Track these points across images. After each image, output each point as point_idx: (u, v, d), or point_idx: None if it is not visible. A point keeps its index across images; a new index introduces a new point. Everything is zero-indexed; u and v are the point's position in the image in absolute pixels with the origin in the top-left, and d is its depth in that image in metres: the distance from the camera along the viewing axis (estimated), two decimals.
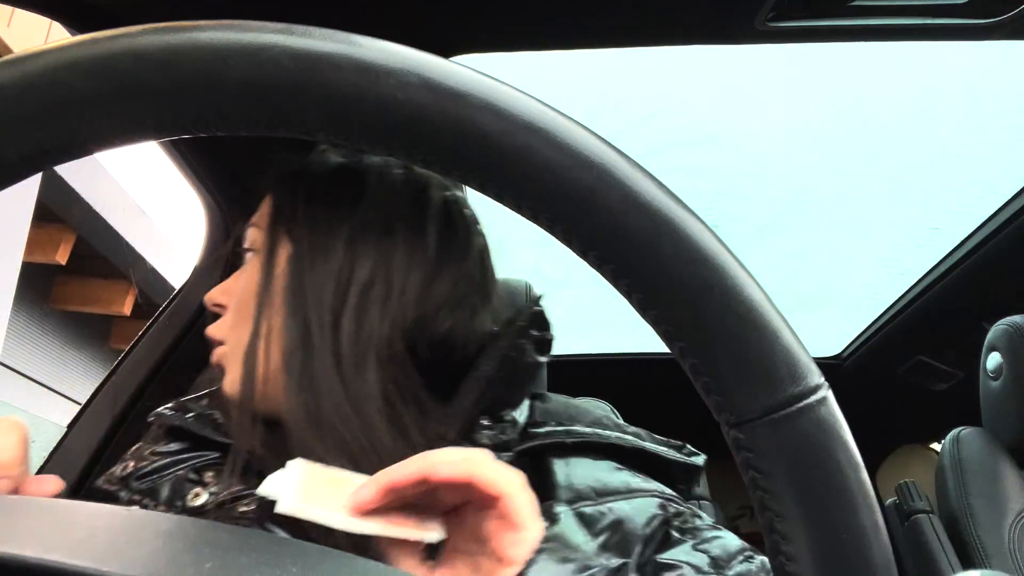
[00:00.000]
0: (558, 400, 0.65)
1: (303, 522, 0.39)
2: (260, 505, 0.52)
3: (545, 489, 0.56)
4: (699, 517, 0.57)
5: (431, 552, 0.41)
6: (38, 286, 4.11)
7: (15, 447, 0.44)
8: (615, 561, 0.51)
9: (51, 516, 0.21)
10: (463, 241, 0.59)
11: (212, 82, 0.22)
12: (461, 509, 0.40)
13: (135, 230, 4.03)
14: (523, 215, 0.24)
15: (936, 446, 2.00)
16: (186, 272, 1.16)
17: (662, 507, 0.56)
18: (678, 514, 0.56)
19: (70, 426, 1.08)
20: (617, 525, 0.53)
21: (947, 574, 1.23)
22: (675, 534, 0.54)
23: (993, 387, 1.36)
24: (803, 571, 0.23)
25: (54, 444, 1.07)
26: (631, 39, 0.92)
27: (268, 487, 0.40)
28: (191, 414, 0.62)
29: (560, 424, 0.60)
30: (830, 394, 0.23)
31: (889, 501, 1.47)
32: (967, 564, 1.24)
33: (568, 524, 0.52)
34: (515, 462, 0.56)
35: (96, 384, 1.12)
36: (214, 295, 0.61)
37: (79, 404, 1.11)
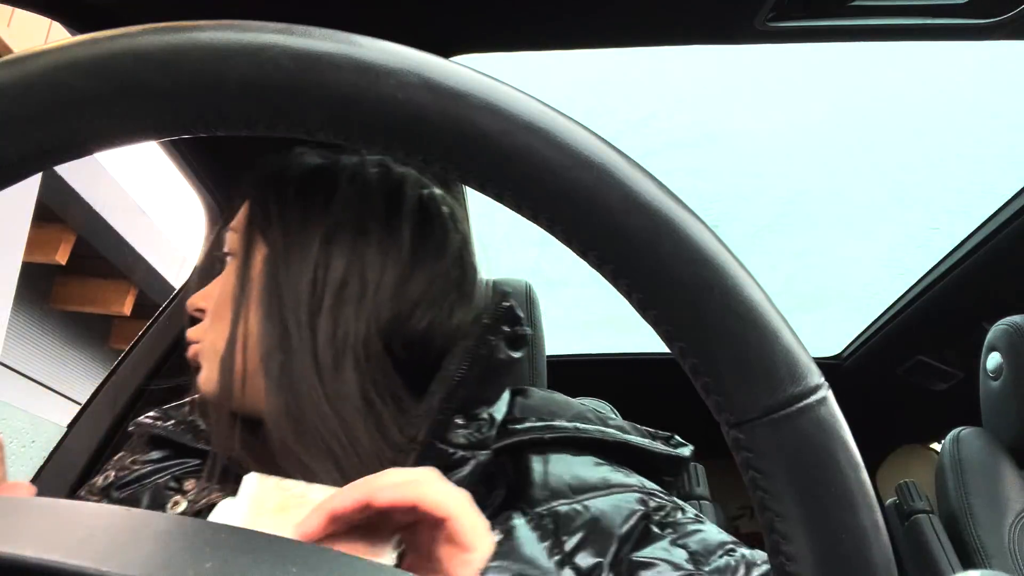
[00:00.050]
0: (539, 395, 0.65)
1: None
2: None
3: (521, 488, 0.56)
4: (681, 510, 0.56)
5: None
6: (38, 286, 4.10)
7: None
8: (590, 560, 0.51)
9: (51, 516, 0.21)
10: (439, 239, 0.58)
11: (212, 82, 0.22)
12: (415, 528, 0.39)
13: (135, 230, 4.02)
14: (523, 215, 0.24)
15: (936, 446, 2.00)
16: (186, 272, 1.16)
17: (642, 502, 0.55)
18: (659, 508, 0.56)
19: (70, 426, 1.08)
20: (594, 523, 0.53)
21: (947, 574, 1.23)
22: (655, 529, 0.54)
23: (993, 387, 1.36)
24: (803, 571, 0.23)
25: (54, 444, 1.07)
26: (631, 39, 0.92)
27: (219, 514, 0.40)
28: (171, 422, 0.62)
29: (540, 419, 0.60)
30: (830, 394, 0.23)
31: (889, 501, 1.47)
32: (967, 564, 1.24)
33: (523, 535, 0.51)
34: (493, 460, 0.56)
35: (96, 384, 1.12)
36: (194, 300, 0.62)
37: (79, 404, 1.11)
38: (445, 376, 0.54)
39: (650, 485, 0.58)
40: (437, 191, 0.61)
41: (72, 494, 0.84)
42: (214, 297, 0.61)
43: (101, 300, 4.33)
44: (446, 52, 0.83)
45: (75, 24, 0.83)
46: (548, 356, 0.89)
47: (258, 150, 0.62)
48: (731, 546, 0.53)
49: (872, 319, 1.92)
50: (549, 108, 0.23)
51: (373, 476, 0.39)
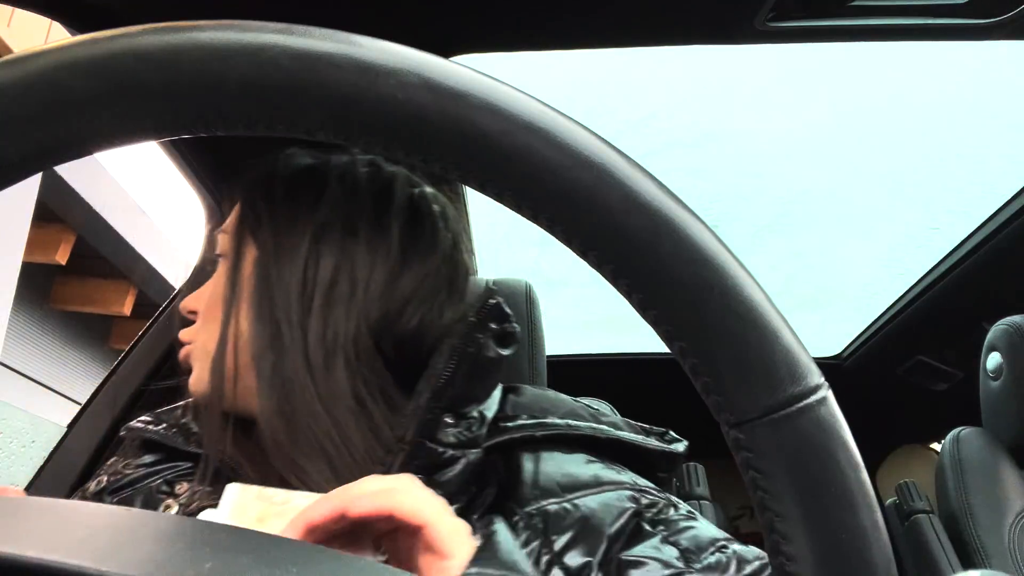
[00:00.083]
0: (532, 392, 0.65)
1: None
2: None
3: (511, 487, 0.56)
4: (674, 507, 0.56)
5: None
6: (38, 286, 4.10)
7: None
8: (579, 560, 0.51)
9: (51, 516, 0.21)
10: (429, 237, 0.58)
11: (212, 82, 0.22)
12: (395, 535, 0.40)
13: (135, 230, 4.02)
14: (523, 215, 0.24)
15: (936, 446, 2.00)
16: (186, 272, 1.16)
17: (633, 499, 0.55)
18: (651, 505, 0.55)
19: (70, 426, 1.08)
20: (583, 522, 0.53)
21: (947, 574, 1.23)
22: (646, 527, 0.53)
23: (993, 387, 1.36)
24: (803, 571, 0.23)
25: (54, 444, 1.07)
26: (631, 39, 0.92)
27: None
28: (163, 425, 0.62)
29: (532, 417, 0.60)
30: (830, 394, 0.23)
31: (889, 501, 1.47)
32: (967, 564, 1.24)
33: (504, 539, 0.51)
34: (484, 458, 0.56)
35: (96, 384, 1.12)
36: (187, 302, 0.62)
37: (79, 404, 1.11)
38: (432, 375, 0.54)
39: (642, 482, 0.58)
40: (428, 190, 0.61)
41: (72, 494, 0.84)
42: (205, 299, 0.61)
43: (101, 300, 4.33)
44: (446, 52, 0.83)
45: (75, 24, 0.83)
46: (548, 356, 0.89)
47: (258, 150, 0.62)
48: (723, 543, 0.53)
49: (872, 319, 1.92)
50: (549, 108, 0.23)
51: (350, 485, 0.39)
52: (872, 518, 0.22)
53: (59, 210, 3.57)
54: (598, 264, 0.24)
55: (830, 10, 0.84)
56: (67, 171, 3.31)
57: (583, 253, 0.24)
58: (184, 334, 0.62)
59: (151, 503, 0.57)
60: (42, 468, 1.05)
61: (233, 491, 0.42)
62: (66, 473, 1.03)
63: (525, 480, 0.56)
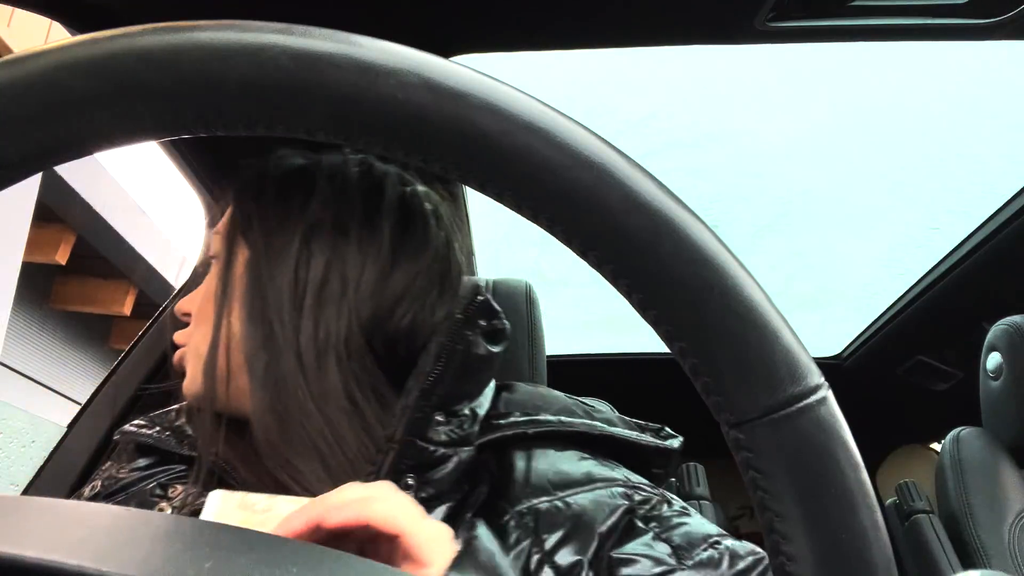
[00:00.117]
0: (525, 390, 0.65)
1: None
2: None
3: (503, 485, 0.56)
4: (668, 503, 0.56)
5: None
6: (38, 286, 4.10)
7: None
8: (570, 558, 0.51)
9: (51, 516, 0.21)
10: (421, 236, 0.58)
11: (212, 82, 0.22)
12: (376, 542, 0.40)
13: (135, 230, 4.03)
14: (523, 215, 0.24)
15: (936, 446, 2.00)
16: (186, 272, 1.16)
17: (626, 496, 0.55)
18: (644, 501, 0.55)
19: (70, 426, 1.08)
20: (575, 520, 0.53)
21: (947, 574, 1.23)
22: (639, 523, 0.53)
23: (993, 387, 1.36)
24: (803, 571, 0.23)
25: (54, 444, 1.07)
26: (631, 39, 0.92)
27: None
28: (156, 428, 0.62)
29: (525, 414, 0.60)
30: (830, 394, 0.23)
31: (889, 501, 1.47)
32: (967, 564, 1.24)
33: (485, 544, 0.51)
34: (476, 456, 0.56)
35: (96, 384, 1.12)
36: (181, 304, 0.63)
37: (79, 404, 1.11)
38: (420, 373, 0.54)
39: (635, 478, 0.58)
40: (420, 188, 0.61)
41: (72, 494, 0.84)
42: (198, 301, 0.61)
43: (101, 300, 4.33)
44: (446, 52, 0.83)
45: (75, 24, 0.83)
46: (548, 356, 0.89)
47: (258, 150, 0.62)
48: (716, 539, 0.53)
49: (872, 319, 1.92)
50: (549, 108, 0.23)
51: (327, 494, 0.39)
52: (872, 518, 0.22)
53: (59, 210, 3.57)
54: (598, 264, 0.24)
55: (830, 10, 0.84)
56: (67, 171, 3.31)
57: (583, 253, 0.24)
58: (178, 336, 0.62)
59: (145, 507, 0.57)
60: (42, 468, 1.05)
61: (215, 499, 0.42)
62: (66, 473, 1.03)
63: (517, 478, 0.56)
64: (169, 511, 0.55)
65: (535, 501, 0.54)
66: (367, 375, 0.55)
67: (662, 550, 0.51)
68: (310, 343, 0.54)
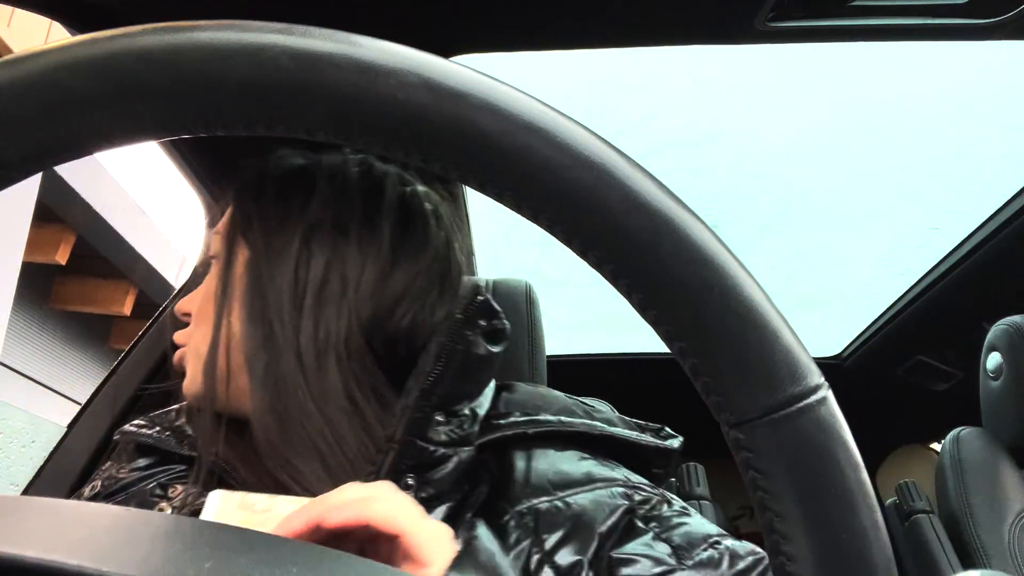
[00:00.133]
0: (525, 390, 0.65)
1: None
2: None
3: (503, 486, 0.56)
4: (668, 503, 0.56)
5: None
6: (38, 286, 4.11)
7: None
8: (570, 559, 0.51)
9: (51, 516, 0.21)
10: (421, 236, 0.58)
11: (212, 82, 0.22)
12: (376, 542, 0.40)
13: (135, 230, 4.03)
14: (523, 215, 0.24)
15: (936, 446, 2.00)
16: (186, 272, 1.16)
17: (626, 496, 0.55)
18: (644, 501, 0.55)
19: (70, 426, 1.08)
20: (575, 520, 0.53)
21: (947, 574, 1.23)
22: (639, 523, 0.53)
23: (993, 387, 1.36)
24: (803, 571, 0.23)
25: (54, 444, 1.07)
26: (631, 39, 0.92)
27: None
28: (156, 428, 0.62)
29: (525, 414, 0.60)
30: (830, 394, 0.23)
31: (889, 501, 1.47)
32: (967, 564, 1.24)
33: (485, 544, 0.50)
34: (476, 456, 0.56)
35: (96, 384, 1.12)
36: (181, 305, 0.63)
37: (79, 404, 1.11)
38: (420, 373, 0.54)
39: (635, 478, 0.58)
40: (420, 188, 0.61)
41: (72, 494, 0.84)
42: (198, 301, 0.61)
43: (101, 300, 4.33)
44: (446, 52, 0.83)
45: (75, 24, 0.83)
46: (548, 356, 0.89)
47: (258, 150, 0.62)
48: (716, 539, 0.53)
49: (872, 319, 1.92)
50: (549, 108, 0.23)
51: (327, 494, 0.40)
52: (872, 518, 0.22)
53: (59, 210, 3.57)
54: (598, 264, 0.24)
55: (830, 10, 0.84)
56: (67, 171, 3.31)
57: (583, 253, 0.24)
58: (178, 336, 0.62)
59: (145, 507, 0.57)
60: (42, 468, 1.05)
61: (215, 499, 0.42)
62: (66, 473, 1.03)
63: (517, 478, 0.56)
64: (169, 511, 0.55)
65: (535, 501, 0.54)
66: (367, 375, 0.55)
67: (662, 550, 0.51)
68: (310, 343, 0.54)
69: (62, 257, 3.78)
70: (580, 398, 0.67)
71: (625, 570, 0.50)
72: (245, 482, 0.55)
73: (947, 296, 1.65)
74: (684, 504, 0.57)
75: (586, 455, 0.59)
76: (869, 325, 1.93)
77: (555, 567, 0.50)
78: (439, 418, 0.54)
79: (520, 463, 0.57)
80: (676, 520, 0.54)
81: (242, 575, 0.19)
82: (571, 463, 0.58)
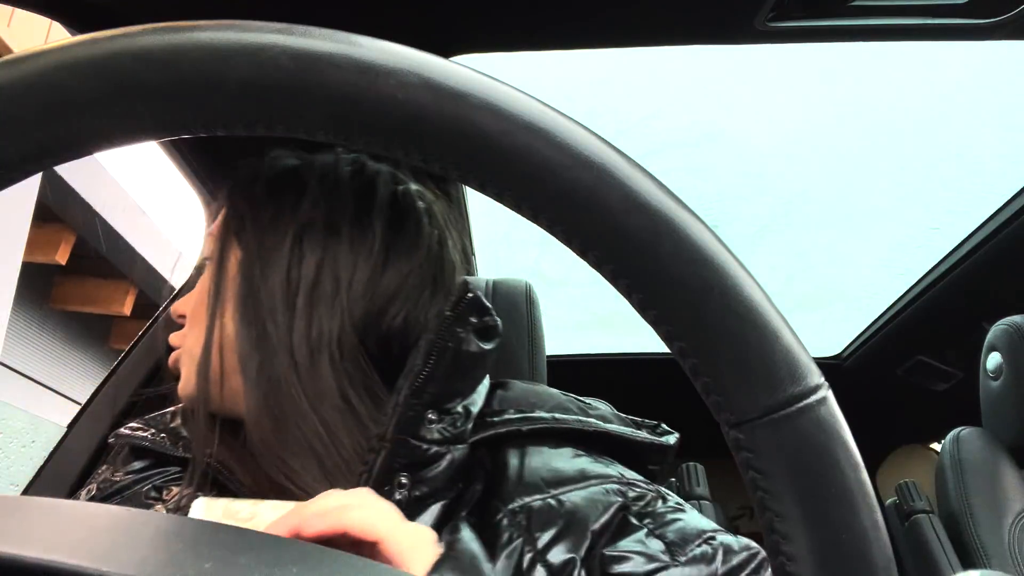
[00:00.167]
0: (520, 387, 0.64)
1: None
2: None
3: (497, 484, 0.56)
4: (663, 499, 0.56)
5: None
6: (38, 286, 4.10)
7: None
8: (563, 557, 0.51)
9: (51, 516, 0.21)
10: (413, 234, 0.58)
11: (212, 82, 0.22)
12: (360, 548, 0.40)
13: (135, 230, 4.03)
14: (523, 215, 0.24)
15: (936, 446, 2.00)
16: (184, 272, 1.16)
17: (620, 492, 0.55)
18: (639, 498, 0.55)
19: (70, 426, 1.08)
20: (568, 517, 0.53)
21: (947, 574, 1.23)
22: (633, 520, 0.53)
23: (993, 387, 1.36)
24: (803, 571, 0.23)
25: (54, 444, 1.07)
26: (631, 39, 0.92)
27: None
28: (151, 431, 0.62)
29: (519, 411, 0.60)
30: (830, 394, 0.23)
31: (889, 501, 1.47)
32: (967, 564, 1.24)
33: (468, 545, 0.50)
34: (470, 454, 0.56)
35: (96, 384, 1.12)
36: (176, 307, 0.63)
37: (79, 404, 1.11)
38: (410, 372, 0.54)
39: (630, 474, 0.58)
40: (413, 187, 0.61)
41: (72, 494, 0.84)
42: (192, 303, 0.61)
43: (101, 300, 4.33)
44: (446, 52, 0.83)
45: (75, 24, 0.83)
46: (548, 356, 0.89)
47: (259, 151, 0.62)
48: (711, 534, 0.52)
49: (872, 319, 1.92)
50: (549, 108, 0.23)
51: (306, 503, 0.40)
52: (872, 518, 0.22)
53: (59, 210, 3.57)
54: (598, 264, 0.24)
55: (830, 10, 0.84)
56: (67, 171, 3.31)
57: (583, 253, 0.24)
58: (173, 338, 0.62)
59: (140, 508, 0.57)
60: (42, 468, 1.05)
61: (199, 507, 0.42)
62: (66, 473, 1.03)
63: (510, 476, 0.56)
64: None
65: (528, 499, 0.54)
66: (361, 374, 0.55)
67: (655, 547, 0.51)
68: (303, 343, 0.54)
69: (62, 257, 3.78)
70: (578, 396, 0.67)
71: (617, 567, 0.50)
72: (241, 483, 0.55)
73: (947, 296, 1.65)
74: (680, 500, 0.57)
75: (581, 452, 0.59)
76: (869, 325, 1.93)
77: (547, 566, 0.50)
78: (431, 416, 0.54)
79: (514, 461, 0.57)
80: (670, 516, 0.54)
81: (242, 575, 0.19)
82: (565, 460, 0.58)
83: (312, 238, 0.56)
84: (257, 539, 0.22)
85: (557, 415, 0.60)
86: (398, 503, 0.51)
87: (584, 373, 1.97)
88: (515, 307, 0.90)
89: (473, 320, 0.56)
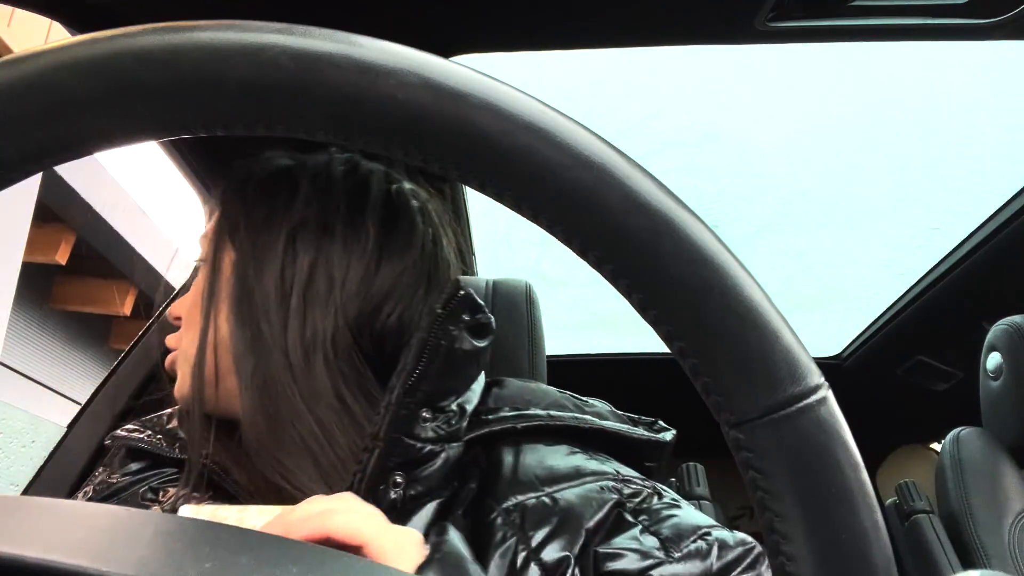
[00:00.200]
0: (516, 385, 0.64)
1: None
2: None
3: (491, 482, 0.56)
4: (658, 495, 0.55)
5: None
6: (38, 286, 4.10)
7: None
8: (557, 555, 0.50)
9: (51, 516, 0.21)
10: (407, 233, 0.58)
11: (211, 82, 0.22)
12: (347, 551, 0.40)
13: (135, 230, 4.03)
14: (523, 215, 0.24)
15: (936, 446, 2.00)
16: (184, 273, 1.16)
17: (615, 489, 0.55)
18: (634, 494, 0.55)
19: (70, 426, 1.08)
20: (562, 515, 0.52)
21: (947, 574, 1.23)
22: (628, 517, 0.53)
23: (993, 387, 1.36)
24: (803, 571, 0.23)
25: (54, 444, 1.07)
26: (631, 39, 0.92)
27: None
28: (148, 432, 0.63)
29: (515, 409, 0.59)
30: (830, 394, 0.23)
31: (889, 501, 1.47)
32: (967, 564, 1.24)
33: (454, 548, 0.50)
34: (465, 452, 0.56)
35: (96, 384, 1.12)
36: (173, 309, 0.63)
37: (79, 404, 1.11)
38: (402, 370, 0.53)
39: (626, 471, 0.58)
40: (407, 185, 0.61)
41: (72, 494, 0.84)
42: (187, 304, 0.61)
43: (101, 300, 4.33)
44: (446, 52, 0.83)
45: (75, 24, 0.83)
46: (548, 356, 0.89)
47: (259, 150, 0.62)
48: (706, 530, 0.52)
49: (872, 319, 1.92)
50: (549, 108, 0.23)
51: (290, 509, 0.40)
52: (872, 518, 0.22)
53: (59, 210, 3.57)
54: (598, 264, 0.24)
55: (830, 10, 0.84)
56: (67, 171, 3.31)
57: (583, 253, 0.24)
58: (169, 340, 0.62)
59: None
60: (42, 468, 1.05)
61: (185, 514, 0.42)
62: (66, 473, 1.03)
63: (504, 474, 0.56)
64: None
65: (522, 498, 0.54)
66: (355, 374, 0.55)
67: (650, 543, 0.51)
68: (297, 343, 0.54)
69: (62, 257, 3.78)
70: (574, 394, 0.66)
71: (611, 564, 0.50)
72: (237, 484, 0.55)
73: (947, 296, 1.65)
74: (676, 496, 0.57)
75: (576, 449, 0.59)
76: (869, 325, 1.93)
77: (541, 564, 0.50)
78: (425, 415, 0.54)
79: (508, 458, 0.57)
80: (666, 512, 0.53)
81: (242, 575, 0.19)
82: (560, 458, 0.57)
83: (305, 238, 0.56)
84: (257, 539, 0.22)
85: (552, 412, 0.60)
86: (393, 502, 0.51)
87: (584, 373, 1.97)
88: (515, 307, 0.90)
89: (465, 318, 0.56)
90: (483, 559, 0.51)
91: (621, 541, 0.51)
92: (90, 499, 0.60)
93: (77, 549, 0.19)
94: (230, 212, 0.59)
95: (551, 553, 0.50)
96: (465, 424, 0.56)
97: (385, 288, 0.56)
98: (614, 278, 0.23)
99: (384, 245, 0.57)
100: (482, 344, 0.57)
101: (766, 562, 0.51)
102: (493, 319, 0.58)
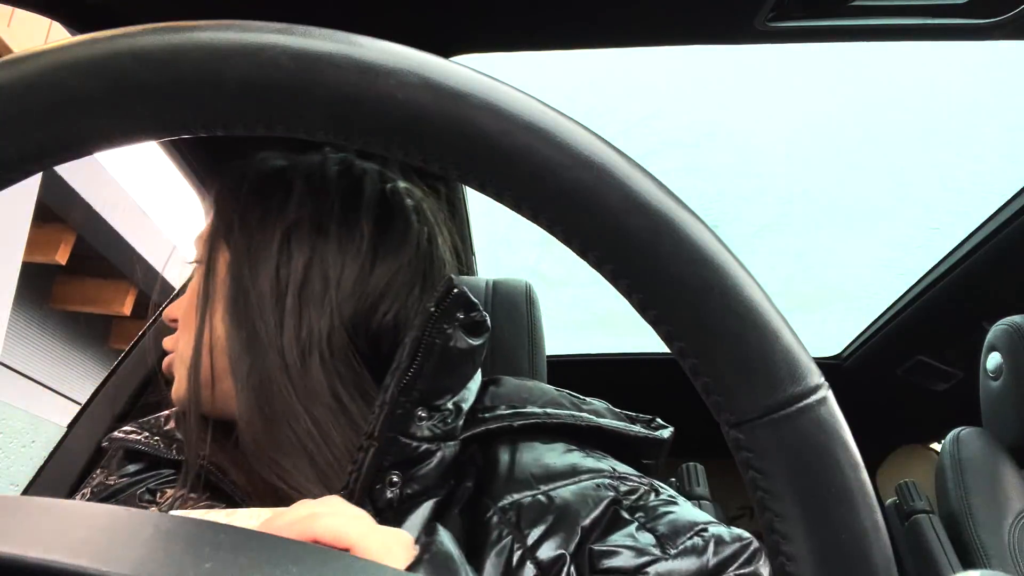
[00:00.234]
0: (513, 383, 0.64)
1: None
2: None
3: (487, 481, 0.56)
4: (655, 492, 0.55)
5: None
6: (38, 286, 4.10)
7: None
8: (552, 553, 0.50)
9: (51, 516, 0.21)
10: (401, 232, 0.58)
11: (212, 82, 0.22)
12: None
13: (135, 230, 4.02)
14: (523, 215, 0.24)
15: (936, 446, 2.00)
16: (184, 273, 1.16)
17: (612, 487, 0.54)
18: (631, 492, 0.55)
19: (70, 426, 1.08)
20: (558, 513, 0.52)
21: (947, 574, 1.23)
22: (624, 514, 0.53)
23: (993, 387, 1.36)
24: (803, 571, 0.23)
25: (54, 444, 1.07)
26: (631, 39, 0.92)
27: None
28: (145, 434, 0.62)
29: (512, 407, 0.59)
30: (830, 394, 0.23)
31: (889, 501, 1.47)
32: (967, 564, 1.24)
33: (444, 549, 0.49)
34: (462, 451, 0.55)
35: (96, 384, 1.12)
36: (169, 311, 0.63)
37: (79, 404, 1.11)
38: (397, 369, 0.53)
39: (623, 468, 0.57)
40: (401, 184, 0.61)
41: (72, 494, 0.84)
42: (183, 306, 0.61)
43: (101, 300, 4.33)
44: (446, 52, 0.83)
45: (75, 24, 0.83)
46: (548, 356, 0.89)
47: (258, 150, 0.62)
48: (703, 526, 0.52)
49: (872, 319, 1.92)
50: (549, 108, 0.23)
51: (276, 514, 0.40)
52: (872, 518, 0.22)
53: (59, 210, 3.57)
54: (598, 264, 0.24)
55: (830, 10, 0.84)
56: (67, 171, 3.31)
57: (583, 253, 0.24)
58: (166, 342, 0.62)
59: None
60: (42, 468, 1.05)
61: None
62: (66, 473, 1.02)
63: (500, 473, 0.56)
64: None
65: (518, 496, 0.54)
66: (351, 373, 0.55)
67: (646, 540, 0.50)
68: (293, 343, 0.54)
69: (62, 257, 3.78)
70: (572, 392, 0.66)
71: (607, 562, 0.49)
72: (234, 484, 0.55)
73: (947, 296, 1.65)
74: (673, 493, 0.56)
75: (573, 447, 0.59)
76: (869, 325, 1.93)
77: (537, 562, 0.50)
78: (421, 413, 0.53)
79: (504, 457, 0.57)
80: (662, 509, 0.53)
81: (242, 575, 0.19)
82: (556, 456, 0.57)
83: (300, 238, 0.56)
84: (257, 539, 0.22)
85: (549, 410, 0.60)
86: (389, 501, 0.51)
87: (584, 373, 1.97)
88: (515, 307, 0.90)
89: (460, 316, 0.55)
90: (479, 558, 0.50)
91: (617, 538, 0.51)
92: (88, 500, 0.60)
93: (77, 549, 0.19)
94: (225, 213, 0.59)
95: (547, 551, 0.50)
96: (461, 423, 0.56)
97: (380, 287, 0.56)
98: (614, 278, 0.23)
99: (379, 244, 0.57)
100: (477, 342, 0.56)
101: (763, 558, 0.50)
102: (488, 317, 0.58)
